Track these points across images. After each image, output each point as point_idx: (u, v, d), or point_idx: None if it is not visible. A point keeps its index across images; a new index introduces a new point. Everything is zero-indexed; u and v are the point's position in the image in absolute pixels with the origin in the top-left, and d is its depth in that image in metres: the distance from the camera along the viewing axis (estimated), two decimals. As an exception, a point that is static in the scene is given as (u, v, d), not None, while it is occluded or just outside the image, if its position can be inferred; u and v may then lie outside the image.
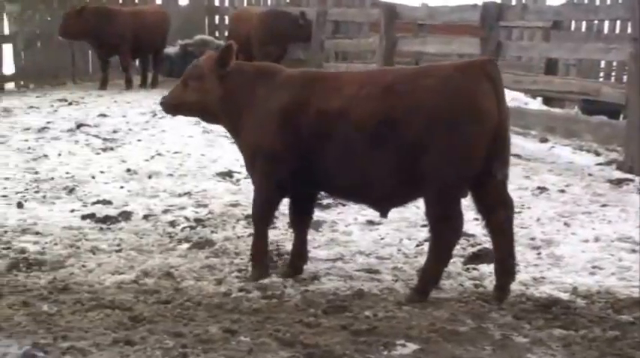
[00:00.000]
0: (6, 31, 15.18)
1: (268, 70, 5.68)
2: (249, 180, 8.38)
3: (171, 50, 16.16)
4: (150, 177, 8.65)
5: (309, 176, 5.34)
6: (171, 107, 5.87)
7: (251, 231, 6.76)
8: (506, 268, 5.19)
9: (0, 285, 5.41)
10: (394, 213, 5.84)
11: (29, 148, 9.68)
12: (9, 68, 15.20)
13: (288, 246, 6.32)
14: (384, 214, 5.49)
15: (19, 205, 7.47)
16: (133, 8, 15.61)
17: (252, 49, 14.38)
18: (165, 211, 7.38)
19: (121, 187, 8.17)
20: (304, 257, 5.79)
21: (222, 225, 6.98)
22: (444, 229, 5.02)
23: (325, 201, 7.60)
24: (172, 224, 7.00)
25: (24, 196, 7.83)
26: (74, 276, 5.64)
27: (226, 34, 16.53)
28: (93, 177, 8.49)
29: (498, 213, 5.08)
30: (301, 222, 5.75)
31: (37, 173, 8.66)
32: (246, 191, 8.09)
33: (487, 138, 4.86)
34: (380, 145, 5.01)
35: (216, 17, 18.28)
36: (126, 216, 7.21)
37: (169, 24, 15.17)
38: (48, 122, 11.03)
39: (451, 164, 4.88)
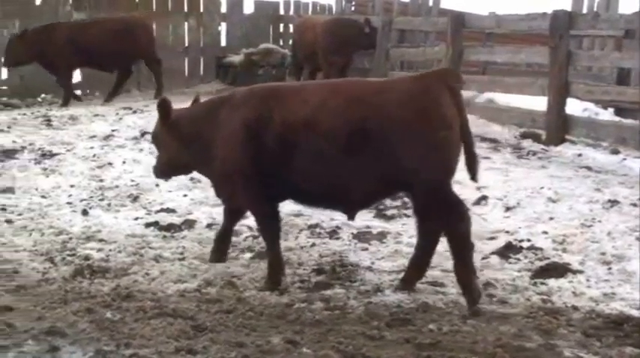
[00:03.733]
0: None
1: (226, 97, 5.82)
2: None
3: (235, 59, 16.30)
4: (213, 185, 8.71)
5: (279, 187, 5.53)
6: (159, 173, 6.30)
7: (315, 240, 6.78)
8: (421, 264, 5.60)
9: (64, 292, 5.52)
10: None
11: (94, 156, 9.83)
12: (75, 77, 15.46)
13: (352, 257, 6.32)
14: (351, 217, 5.66)
15: (84, 212, 7.59)
16: (76, 22, 14.75)
17: (318, 58, 14.42)
18: (229, 220, 7.43)
19: (185, 195, 8.25)
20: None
21: (284, 235, 6.99)
22: (449, 228, 5.18)
23: (390, 212, 7.57)
24: (235, 233, 7.04)
25: (89, 203, 7.96)
26: (137, 284, 5.72)
27: (291, 42, 16.62)
28: (157, 186, 8.58)
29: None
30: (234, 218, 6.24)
31: (101, 181, 8.80)
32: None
33: (457, 139, 5.13)
34: (349, 156, 5.20)
35: (281, 26, 18.39)
36: (189, 224, 7.28)
37: (142, 32, 14.11)
38: (113, 130, 11.19)
39: (434, 169, 5.11)
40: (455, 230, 5.17)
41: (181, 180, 8.80)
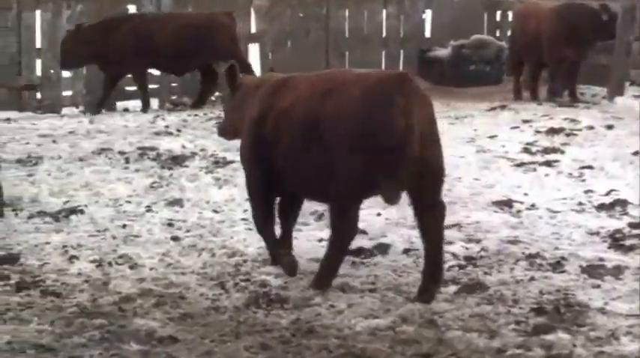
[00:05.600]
0: (253, 29, 15.90)
1: (262, 79, 7.12)
2: (533, 212, 8.35)
3: (441, 53, 16.28)
4: (412, 204, 8.71)
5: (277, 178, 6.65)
6: (220, 133, 7.60)
7: (534, 273, 6.66)
8: None
9: (236, 323, 5.66)
10: None
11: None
12: (257, 73, 15.87)
13: (580, 296, 6.16)
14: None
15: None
16: (143, 16, 14.83)
17: (542, 51, 14.14)
18: (430, 245, 7.40)
19: (378, 214, 8.28)
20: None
21: (497, 266, 6.90)
22: (340, 229, 6.30)
23: (628, 242, 7.33)
24: (437, 261, 7.00)
25: (267, 221, 8.13)
26: (320, 318, 5.79)
27: (509, 33, 16.40)
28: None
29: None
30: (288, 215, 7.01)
31: (282, 194, 8.98)
32: (529, 225, 7.97)
33: (390, 154, 5.94)
34: (311, 145, 6.27)
35: (498, 13, 18.21)
36: (383, 249, 7.30)
37: (223, 30, 14.13)
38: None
39: (350, 173, 6.09)
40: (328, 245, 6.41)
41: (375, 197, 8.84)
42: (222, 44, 13.92)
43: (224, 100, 7.52)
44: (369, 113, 6.04)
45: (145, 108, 14.06)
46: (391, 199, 6.17)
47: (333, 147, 6.15)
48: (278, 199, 6.95)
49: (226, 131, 7.43)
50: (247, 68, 13.47)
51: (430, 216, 6.25)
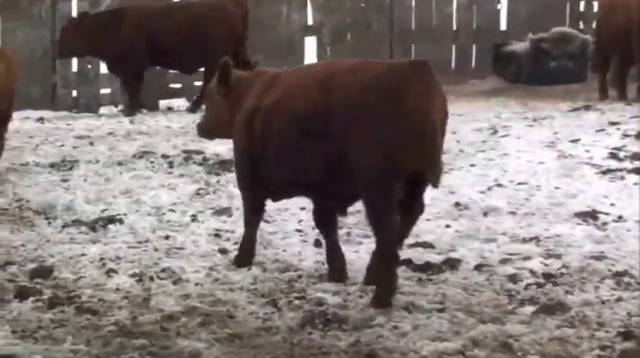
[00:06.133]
0: (309, 21, 15.95)
1: (258, 74, 7.45)
2: (620, 225, 8.28)
3: (518, 47, 16.20)
4: (485, 214, 8.70)
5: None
6: (200, 131, 7.77)
7: (622, 293, 6.61)
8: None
9: (290, 345, 5.68)
10: None
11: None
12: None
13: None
14: (342, 213, 7.18)
15: (318, 244, 7.76)
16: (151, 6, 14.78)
17: (632, 46, 14.01)
18: (504, 261, 7.38)
19: (447, 226, 8.29)
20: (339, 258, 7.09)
21: (580, 284, 6.86)
22: (380, 229, 6.47)
23: None
24: (513, 279, 6.97)
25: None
26: (383, 340, 5.78)
27: (594, 25, 16.29)
28: (411, 212, 8.66)
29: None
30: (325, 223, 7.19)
31: (340, 203, 8.99)
32: (615, 239, 7.90)
33: (412, 139, 6.30)
34: (313, 138, 6.61)
35: (581, 3, 18.13)
36: (452, 264, 7.29)
37: (236, 21, 14.10)
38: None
39: (374, 163, 6.36)
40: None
41: (443, 206, 8.84)
42: (219, 36, 13.87)
43: (207, 96, 7.89)
44: (386, 101, 6.37)
45: (195, 107, 14.02)
46: (435, 180, 6.54)
47: (349, 141, 6.46)
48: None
49: (208, 130, 7.70)
50: (247, 64, 13.13)
51: (409, 211, 6.62)
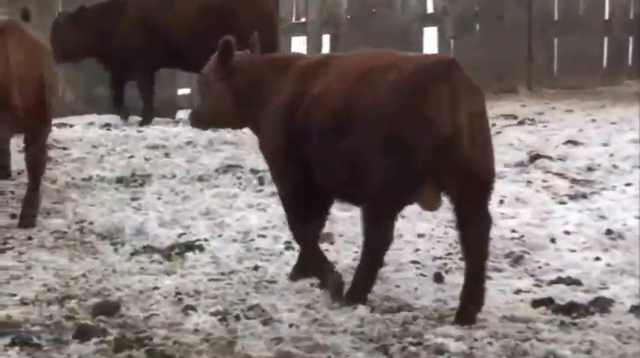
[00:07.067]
0: (430, 8, 15.91)
1: (272, 60, 8.02)
2: None
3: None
4: (646, 244, 8.59)
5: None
6: (194, 121, 8.22)
7: None
8: None
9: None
10: None
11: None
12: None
13: None
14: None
15: (438, 278, 7.77)
16: None
17: None
18: (667, 303, 7.28)
19: (597, 259, 8.22)
20: None
21: None
22: (375, 237, 7.10)
23: None
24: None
25: (445, 264, 8.15)
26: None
27: None
28: (552, 241, 8.57)
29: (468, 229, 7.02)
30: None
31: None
32: None
33: (435, 143, 6.77)
34: (342, 137, 7.12)
35: None
36: (602, 305, 7.21)
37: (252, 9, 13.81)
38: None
39: (389, 169, 6.89)
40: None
41: (592, 234, 8.74)
42: (245, 29, 13.66)
43: (202, 81, 8.09)
44: (407, 103, 6.87)
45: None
46: (431, 205, 7.15)
47: (367, 142, 7.01)
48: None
49: (205, 119, 8.14)
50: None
51: (473, 227, 6.99)
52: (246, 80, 7.73)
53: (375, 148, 6.94)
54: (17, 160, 10.52)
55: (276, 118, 7.53)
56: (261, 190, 10.19)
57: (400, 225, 8.92)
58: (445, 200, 7.06)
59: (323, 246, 8.43)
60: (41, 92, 9.23)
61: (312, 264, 7.68)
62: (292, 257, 8.23)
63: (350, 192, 7.32)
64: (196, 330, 6.77)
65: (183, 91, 15.09)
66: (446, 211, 9.27)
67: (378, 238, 7.11)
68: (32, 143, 9.41)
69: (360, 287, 7.20)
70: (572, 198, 9.95)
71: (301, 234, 7.72)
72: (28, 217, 9.28)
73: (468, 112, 6.81)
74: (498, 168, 10.61)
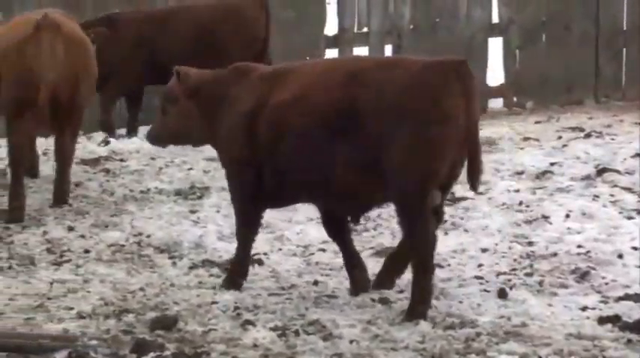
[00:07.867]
0: (494, 18, 15.83)
1: (237, 71, 8.11)
2: None
3: None
4: None
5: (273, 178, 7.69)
6: (154, 138, 8.49)
7: None
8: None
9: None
10: None
11: (521, 204, 9.94)
12: (497, 75, 15.72)
13: None
14: (355, 220, 7.97)
15: (502, 294, 7.71)
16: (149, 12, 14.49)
17: None
18: None
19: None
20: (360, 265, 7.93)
21: None
22: (415, 235, 7.24)
23: None
24: None
25: (510, 280, 8.08)
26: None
27: None
28: (620, 257, 8.50)
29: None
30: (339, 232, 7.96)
31: (530, 244, 8.91)
32: None
33: (452, 141, 7.10)
34: (339, 138, 7.33)
35: None
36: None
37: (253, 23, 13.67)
38: (552, 163, 11.27)
39: (413, 165, 7.12)
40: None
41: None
42: (235, 47, 13.49)
43: (164, 99, 8.37)
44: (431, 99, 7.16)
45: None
46: (432, 201, 7.25)
47: (383, 143, 7.20)
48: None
49: (164, 136, 8.44)
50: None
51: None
52: (208, 96, 8.01)
53: (400, 146, 7.13)
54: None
55: (235, 124, 7.79)
56: (321, 203, 10.16)
57: (463, 239, 8.95)
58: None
59: (382, 258, 8.47)
60: (76, 88, 10.00)
61: (236, 261, 8.04)
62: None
63: (324, 192, 7.55)
64: (255, 345, 6.78)
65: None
66: (512, 226, 9.31)
67: (423, 241, 7.21)
68: (62, 135, 10.23)
69: (418, 300, 7.20)
70: (642, 213, 9.86)
71: (246, 237, 7.96)
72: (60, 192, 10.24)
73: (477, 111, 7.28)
74: (565, 181, 10.63)
